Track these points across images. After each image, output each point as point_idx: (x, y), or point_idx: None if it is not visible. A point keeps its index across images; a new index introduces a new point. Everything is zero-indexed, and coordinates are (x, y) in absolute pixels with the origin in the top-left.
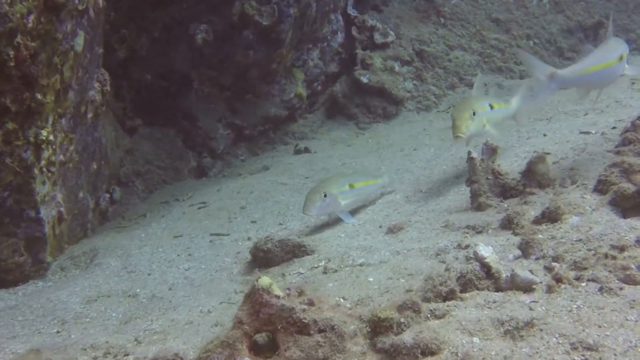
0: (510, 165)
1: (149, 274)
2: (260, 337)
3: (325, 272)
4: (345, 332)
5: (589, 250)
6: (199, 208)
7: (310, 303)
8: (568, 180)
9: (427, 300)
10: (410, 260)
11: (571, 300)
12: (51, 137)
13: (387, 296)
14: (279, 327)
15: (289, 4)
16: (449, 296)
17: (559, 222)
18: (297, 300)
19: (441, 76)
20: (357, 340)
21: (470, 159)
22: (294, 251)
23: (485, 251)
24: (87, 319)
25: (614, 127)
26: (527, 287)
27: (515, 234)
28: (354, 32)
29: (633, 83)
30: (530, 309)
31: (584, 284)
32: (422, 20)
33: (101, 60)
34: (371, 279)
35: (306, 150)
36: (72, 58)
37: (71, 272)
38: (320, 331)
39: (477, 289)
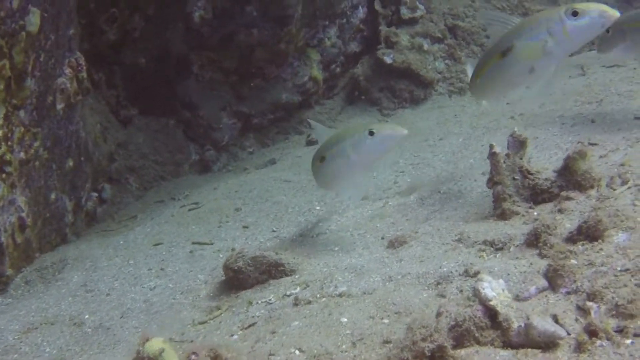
0: (549, 159)
1: (107, 294)
2: None
3: (296, 304)
4: None
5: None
6: (190, 210)
7: None
8: (617, 180)
9: None
10: (401, 291)
11: None
12: (0, 132)
13: (358, 348)
14: None
15: None
16: (436, 355)
17: (600, 240)
18: None
19: (477, 54)
20: None
21: (492, 155)
22: (270, 271)
23: (492, 288)
24: (15, 356)
25: None
26: (547, 343)
27: (542, 256)
28: (377, 6)
29: None
30: None
31: (628, 342)
32: None
33: (75, 43)
34: (345, 320)
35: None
36: (24, 40)
37: (36, 287)
38: None
39: (478, 343)
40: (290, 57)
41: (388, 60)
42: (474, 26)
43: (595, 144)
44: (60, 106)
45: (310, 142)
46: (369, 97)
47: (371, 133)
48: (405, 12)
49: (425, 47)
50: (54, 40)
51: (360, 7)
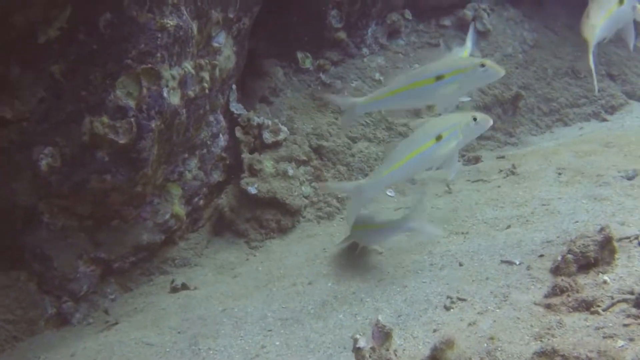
0: (419, 318)
1: None
2: None
3: None
4: None
5: None
6: None
7: None
8: None
9: None
10: None
11: None
12: None
13: None
14: None
15: (150, 117)
16: None
17: None
18: None
19: (344, 174)
20: None
21: (356, 350)
22: None
23: None
24: None
25: (541, 255)
26: None
27: None
28: (238, 133)
29: (560, 174)
30: None
31: None
32: (319, 109)
33: None
34: None
35: (184, 287)
36: None
37: None
38: None
39: None
40: (149, 196)
41: (252, 190)
42: (339, 145)
43: (464, 300)
44: None
45: (174, 289)
46: (235, 228)
47: (475, 119)
48: (267, 137)
49: (290, 172)
50: None
51: (221, 135)
